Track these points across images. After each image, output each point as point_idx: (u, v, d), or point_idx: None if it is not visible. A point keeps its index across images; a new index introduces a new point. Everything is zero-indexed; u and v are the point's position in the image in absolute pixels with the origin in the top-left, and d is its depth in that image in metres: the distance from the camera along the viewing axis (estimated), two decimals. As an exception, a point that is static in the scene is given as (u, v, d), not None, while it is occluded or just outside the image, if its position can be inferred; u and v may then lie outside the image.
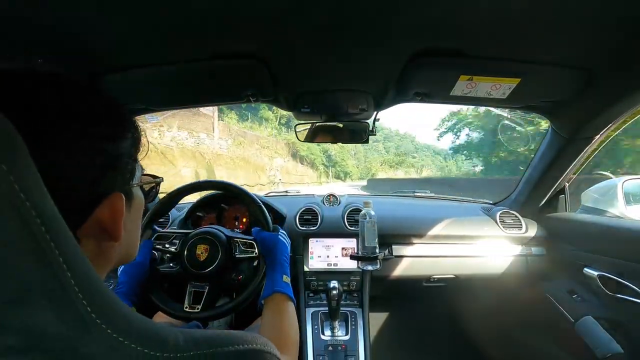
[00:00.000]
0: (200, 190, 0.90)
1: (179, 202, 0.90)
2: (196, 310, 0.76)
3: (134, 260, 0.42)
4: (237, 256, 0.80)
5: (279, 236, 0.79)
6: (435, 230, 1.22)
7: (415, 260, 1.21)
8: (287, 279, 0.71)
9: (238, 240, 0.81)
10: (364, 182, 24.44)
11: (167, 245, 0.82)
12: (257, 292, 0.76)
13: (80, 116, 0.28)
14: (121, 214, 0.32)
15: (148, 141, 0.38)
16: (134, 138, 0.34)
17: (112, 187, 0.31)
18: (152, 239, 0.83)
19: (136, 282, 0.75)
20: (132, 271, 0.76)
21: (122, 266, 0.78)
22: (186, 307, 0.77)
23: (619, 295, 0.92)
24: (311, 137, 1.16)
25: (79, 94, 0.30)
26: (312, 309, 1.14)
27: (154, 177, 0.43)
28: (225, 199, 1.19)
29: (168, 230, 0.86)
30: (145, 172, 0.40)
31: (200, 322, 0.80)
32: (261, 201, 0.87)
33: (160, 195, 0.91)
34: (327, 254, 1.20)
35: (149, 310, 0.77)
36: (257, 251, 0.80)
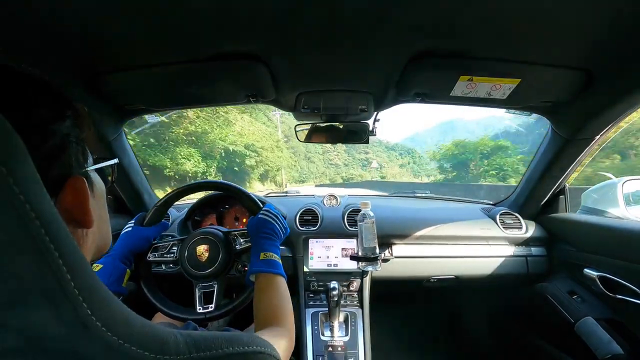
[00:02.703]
0: (198, 191, 0.89)
1: (175, 203, 0.90)
2: (210, 310, 0.76)
3: (110, 249, 0.40)
4: (237, 249, 0.80)
5: (260, 215, 0.76)
6: (436, 231, 1.22)
7: (415, 260, 1.21)
8: (265, 255, 0.67)
9: (236, 233, 0.82)
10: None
11: (165, 256, 0.81)
12: None
13: (17, 101, 0.27)
14: (86, 196, 0.31)
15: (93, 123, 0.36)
16: (74, 117, 0.32)
17: (69, 170, 0.30)
18: (152, 244, 0.83)
19: (129, 251, 0.74)
20: (132, 240, 0.76)
21: (123, 233, 0.79)
22: (200, 309, 0.77)
23: (619, 296, 0.92)
24: (311, 137, 1.16)
25: (9, 79, 0.28)
26: (312, 310, 1.14)
27: (107, 159, 0.42)
28: (225, 200, 1.19)
29: (163, 242, 0.84)
30: (95, 157, 0.39)
31: (199, 323, 0.81)
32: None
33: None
34: (327, 255, 1.20)
35: (148, 309, 0.76)
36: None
